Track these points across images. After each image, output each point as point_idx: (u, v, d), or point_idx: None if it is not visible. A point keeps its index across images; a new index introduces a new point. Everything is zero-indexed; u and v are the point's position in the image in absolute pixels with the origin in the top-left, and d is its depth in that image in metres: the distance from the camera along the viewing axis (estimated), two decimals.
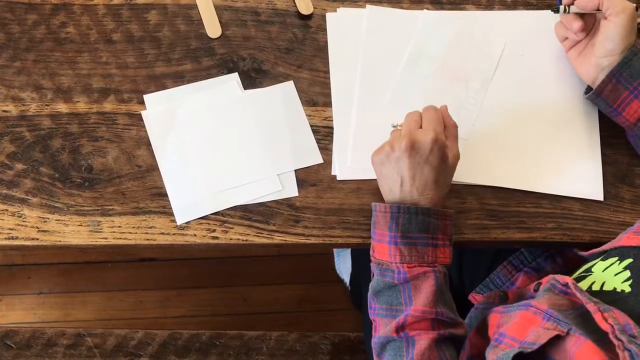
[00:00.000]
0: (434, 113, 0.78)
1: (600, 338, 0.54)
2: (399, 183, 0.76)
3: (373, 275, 0.77)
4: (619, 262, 0.66)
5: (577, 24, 0.84)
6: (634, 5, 0.80)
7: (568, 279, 0.66)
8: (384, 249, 0.75)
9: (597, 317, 0.56)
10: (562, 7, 0.85)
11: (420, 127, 0.77)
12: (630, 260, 0.65)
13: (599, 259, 0.71)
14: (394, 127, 0.80)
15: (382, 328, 0.74)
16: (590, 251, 0.75)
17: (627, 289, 0.62)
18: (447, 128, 0.79)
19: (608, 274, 0.66)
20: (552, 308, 0.62)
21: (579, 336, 0.56)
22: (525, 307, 0.66)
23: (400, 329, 0.71)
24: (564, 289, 0.66)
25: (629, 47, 0.80)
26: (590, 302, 0.58)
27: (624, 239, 0.70)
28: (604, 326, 0.54)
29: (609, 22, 0.81)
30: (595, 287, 0.66)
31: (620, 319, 0.55)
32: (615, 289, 0.63)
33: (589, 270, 0.70)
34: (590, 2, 0.82)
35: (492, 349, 0.65)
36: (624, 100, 0.81)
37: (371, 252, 0.77)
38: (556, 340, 0.58)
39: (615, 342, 0.52)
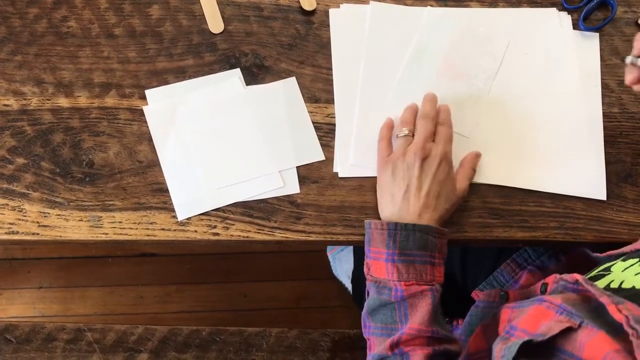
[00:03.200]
0: (447, 130, 0.80)
1: (614, 329, 0.54)
2: (403, 190, 0.76)
3: (368, 294, 0.76)
4: (639, 263, 0.66)
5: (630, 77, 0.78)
6: None
7: (577, 276, 0.65)
8: (381, 267, 0.74)
9: (611, 309, 0.55)
10: (629, 58, 0.77)
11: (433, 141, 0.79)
12: None
13: (619, 259, 0.70)
14: (405, 135, 0.80)
15: (376, 346, 0.74)
16: (609, 252, 0.74)
17: None
18: (467, 169, 0.82)
19: (628, 273, 0.65)
20: (565, 302, 0.61)
21: (592, 328, 0.55)
22: (539, 301, 0.65)
23: (394, 346, 0.71)
24: (575, 287, 0.65)
25: None
26: (604, 295, 0.58)
27: None
28: (617, 316, 0.54)
29: None
30: (614, 285, 0.65)
31: (635, 310, 0.54)
32: (634, 287, 0.62)
33: (607, 269, 0.70)
34: None
35: (502, 341, 0.64)
36: None
37: (366, 271, 0.77)
38: (568, 333, 0.57)
39: (630, 330, 0.51)
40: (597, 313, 0.58)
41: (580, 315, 0.58)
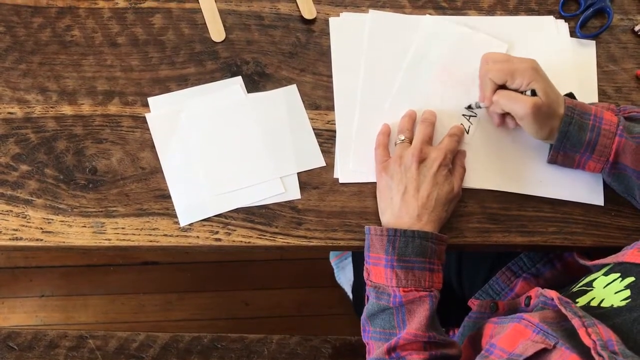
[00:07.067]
0: (453, 144, 0.82)
1: (586, 352, 0.55)
2: (401, 192, 0.77)
3: (368, 298, 0.77)
4: (620, 279, 0.66)
5: (496, 120, 0.85)
6: (534, 102, 0.77)
7: (554, 294, 0.66)
8: (380, 273, 0.75)
9: (581, 332, 0.56)
10: (473, 103, 0.86)
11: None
12: (632, 279, 0.65)
13: (601, 272, 0.71)
14: (402, 140, 0.81)
15: (374, 350, 0.74)
16: (594, 262, 0.75)
17: (623, 305, 0.62)
18: (456, 168, 0.82)
19: (608, 291, 0.66)
20: (542, 321, 0.62)
21: (565, 350, 0.56)
22: (518, 319, 0.66)
23: (391, 350, 0.71)
24: (553, 303, 0.66)
25: (556, 127, 0.79)
26: (575, 317, 0.58)
27: (629, 254, 0.69)
28: (586, 341, 0.55)
29: (521, 123, 0.81)
30: (594, 303, 0.66)
31: (604, 334, 0.55)
32: (612, 305, 0.63)
33: (590, 284, 0.70)
34: (496, 111, 0.83)
35: (482, 359, 0.65)
36: (579, 162, 0.82)
37: (365, 276, 0.77)
38: (543, 353, 0.58)
39: (597, 357, 0.52)
40: (572, 333, 0.58)
41: (556, 336, 0.58)
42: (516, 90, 0.80)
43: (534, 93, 0.78)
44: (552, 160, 0.83)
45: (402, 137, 0.82)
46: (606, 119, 0.78)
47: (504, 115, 0.84)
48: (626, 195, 0.83)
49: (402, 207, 0.76)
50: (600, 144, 0.78)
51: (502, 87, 0.81)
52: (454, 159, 0.82)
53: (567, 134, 0.78)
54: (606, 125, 0.78)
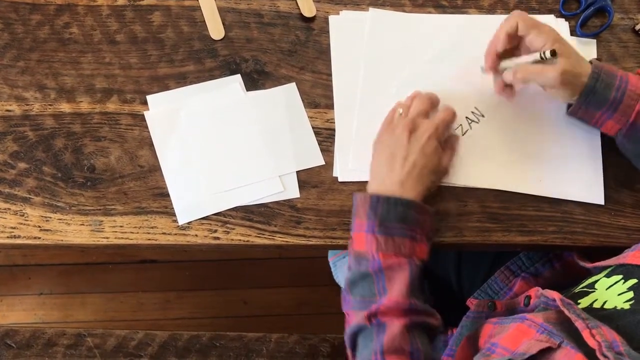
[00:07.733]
0: (445, 116, 0.82)
1: (591, 352, 0.54)
2: (389, 160, 0.78)
3: (350, 268, 0.77)
4: (623, 281, 0.66)
5: (498, 87, 0.85)
6: (562, 68, 0.77)
7: (556, 295, 0.66)
8: (361, 238, 0.75)
9: (585, 334, 0.56)
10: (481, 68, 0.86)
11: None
12: (635, 280, 0.64)
13: (603, 274, 0.71)
14: (399, 114, 0.82)
15: (354, 318, 0.74)
16: (595, 264, 0.75)
17: (627, 307, 0.62)
18: (447, 146, 0.82)
19: (611, 292, 0.66)
20: (546, 321, 0.61)
21: (570, 349, 0.56)
22: (521, 319, 0.65)
23: (372, 316, 0.71)
24: (555, 304, 0.65)
25: (583, 84, 0.78)
26: (579, 320, 0.58)
27: (630, 256, 0.69)
28: (591, 343, 0.54)
29: (551, 92, 0.81)
30: (597, 305, 0.66)
31: (608, 335, 0.54)
32: (616, 307, 0.63)
33: (592, 285, 0.70)
34: (521, 82, 0.82)
35: (483, 357, 0.65)
36: (598, 119, 0.82)
37: (349, 247, 0.77)
38: (547, 352, 0.57)
39: (602, 358, 0.52)
40: (577, 334, 0.58)
41: (561, 335, 0.58)
42: (533, 52, 0.79)
43: (553, 54, 0.77)
44: (573, 113, 0.83)
45: (401, 111, 0.82)
46: (632, 82, 0.78)
47: (507, 85, 0.84)
48: (636, 159, 0.83)
49: (388, 173, 0.77)
50: (624, 104, 0.78)
51: (509, 53, 0.82)
52: (447, 140, 0.82)
53: (594, 89, 0.78)
54: (632, 87, 0.78)
